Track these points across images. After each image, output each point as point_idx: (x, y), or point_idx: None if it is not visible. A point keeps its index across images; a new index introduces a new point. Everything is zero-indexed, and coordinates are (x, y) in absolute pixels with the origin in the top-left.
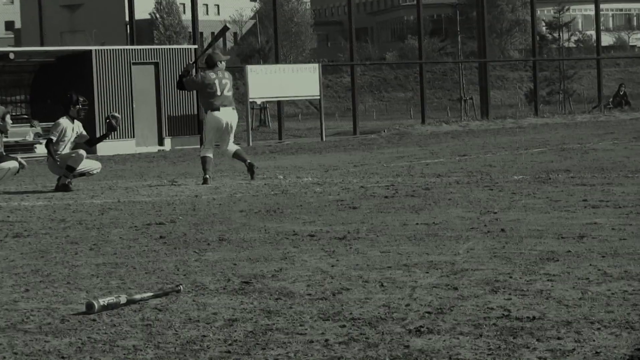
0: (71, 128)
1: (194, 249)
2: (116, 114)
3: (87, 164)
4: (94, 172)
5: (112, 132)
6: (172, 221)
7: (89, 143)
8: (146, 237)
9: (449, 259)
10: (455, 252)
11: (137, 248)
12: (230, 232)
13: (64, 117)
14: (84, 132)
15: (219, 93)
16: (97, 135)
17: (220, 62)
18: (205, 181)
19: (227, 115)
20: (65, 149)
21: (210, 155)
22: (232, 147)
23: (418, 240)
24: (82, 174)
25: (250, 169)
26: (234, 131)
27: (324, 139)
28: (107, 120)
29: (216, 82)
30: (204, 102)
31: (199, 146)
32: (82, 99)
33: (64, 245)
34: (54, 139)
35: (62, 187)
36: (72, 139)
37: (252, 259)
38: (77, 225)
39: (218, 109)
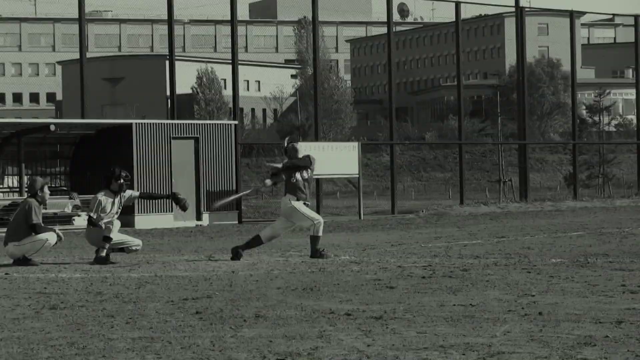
0: (111, 202)
1: (230, 325)
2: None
3: (127, 239)
4: (134, 248)
5: (179, 206)
6: (209, 296)
7: (142, 196)
8: (182, 312)
9: (486, 341)
10: (492, 335)
11: (173, 323)
12: (266, 309)
13: (103, 191)
14: (135, 193)
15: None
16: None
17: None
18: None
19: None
20: (106, 217)
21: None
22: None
23: (455, 322)
24: (122, 249)
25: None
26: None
27: (362, 218)
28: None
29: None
30: (295, 190)
31: (236, 222)
32: (124, 174)
33: (100, 318)
34: (94, 216)
35: (100, 260)
36: (114, 214)
37: (288, 336)
38: (114, 298)
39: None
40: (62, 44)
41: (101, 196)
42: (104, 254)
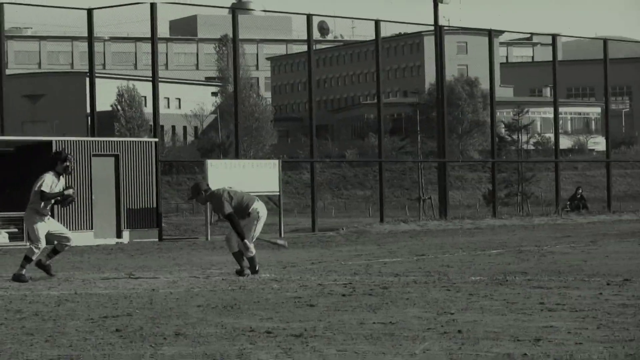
0: (56, 184)
1: (150, 343)
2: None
3: (63, 230)
4: (66, 244)
5: (64, 202)
6: (129, 314)
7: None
8: (102, 329)
9: (406, 359)
10: (412, 353)
11: (93, 341)
12: (186, 327)
13: (50, 172)
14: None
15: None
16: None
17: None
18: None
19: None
20: (50, 203)
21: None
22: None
23: (375, 340)
24: (54, 250)
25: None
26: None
27: (283, 235)
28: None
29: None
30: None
31: (157, 239)
32: (70, 156)
33: (20, 336)
34: (47, 190)
35: (18, 278)
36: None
37: (208, 354)
38: (33, 316)
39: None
40: None
41: (48, 175)
42: (23, 272)
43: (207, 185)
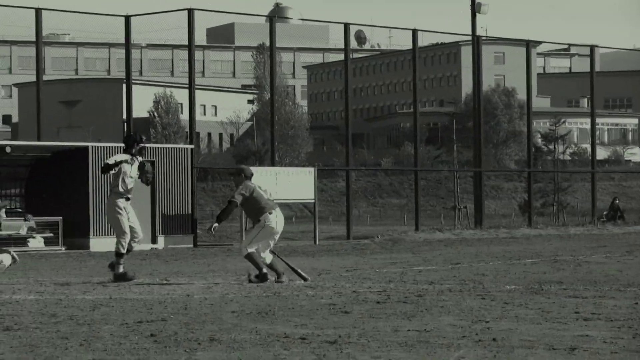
0: (130, 166)
1: (184, 348)
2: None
3: (137, 226)
4: (136, 242)
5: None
6: (163, 319)
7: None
8: (137, 334)
9: None
10: None
11: (128, 345)
12: (221, 333)
13: (126, 155)
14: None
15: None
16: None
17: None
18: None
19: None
20: (131, 183)
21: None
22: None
23: (409, 347)
24: (128, 250)
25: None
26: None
27: (317, 243)
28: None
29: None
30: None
31: (192, 245)
32: (144, 137)
33: (54, 340)
34: (111, 161)
35: (119, 277)
36: (134, 179)
37: None
38: (68, 320)
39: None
40: (19, 66)
41: (121, 154)
42: (121, 269)
43: (251, 174)
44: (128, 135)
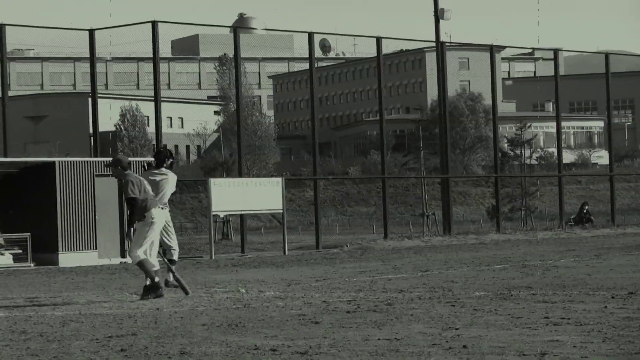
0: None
1: None
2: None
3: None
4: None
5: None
6: (134, 334)
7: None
8: (107, 349)
9: None
10: None
11: None
12: (191, 346)
13: (159, 169)
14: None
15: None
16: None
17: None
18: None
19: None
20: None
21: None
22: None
23: (380, 356)
24: (170, 260)
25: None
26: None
27: (287, 253)
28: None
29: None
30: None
31: (161, 259)
32: (173, 153)
33: (24, 357)
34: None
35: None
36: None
37: None
38: (38, 337)
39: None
40: None
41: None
42: (168, 279)
43: (128, 165)
44: (159, 151)
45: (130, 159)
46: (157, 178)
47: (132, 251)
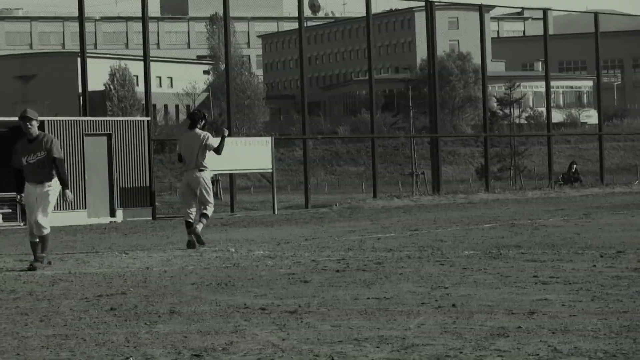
0: None
1: (144, 321)
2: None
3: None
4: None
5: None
6: (123, 293)
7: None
8: (97, 308)
9: (400, 333)
10: (406, 327)
11: (88, 320)
12: (181, 305)
13: (196, 130)
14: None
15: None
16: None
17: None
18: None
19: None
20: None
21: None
22: None
23: (369, 315)
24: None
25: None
26: None
27: (276, 212)
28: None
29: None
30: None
31: (150, 218)
32: (207, 114)
33: (14, 316)
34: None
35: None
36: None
37: (203, 332)
38: (28, 296)
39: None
40: None
41: (208, 134)
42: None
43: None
44: (193, 113)
45: (120, 118)
46: (189, 139)
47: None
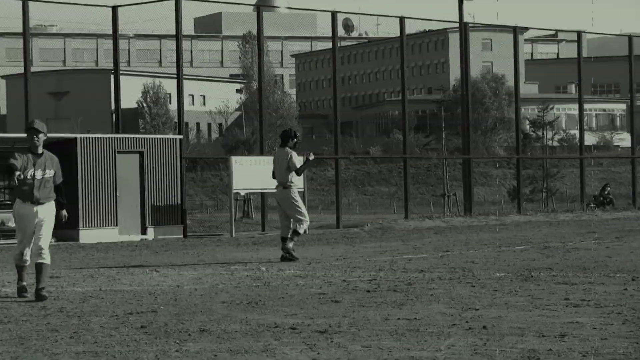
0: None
1: (174, 339)
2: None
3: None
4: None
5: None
6: (154, 311)
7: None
8: (127, 326)
9: (430, 355)
10: (437, 349)
11: (118, 337)
12: (211, 323)
13: (285, 149)
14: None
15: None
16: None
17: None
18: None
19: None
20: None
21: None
22: None
23: (399, 336)
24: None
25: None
26: None
27: (307, 232)
28: (306, 157)
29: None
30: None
31: (181, 236)
32: (298, 133)
33: (44, 332)
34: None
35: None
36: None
37: (233, 350)
38: (58, 312)
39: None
40: (7, 58)
41: (293, 153)
42: (291, 245)
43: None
44: (284, 131)
45: (153, 136)
46: (277, 156)
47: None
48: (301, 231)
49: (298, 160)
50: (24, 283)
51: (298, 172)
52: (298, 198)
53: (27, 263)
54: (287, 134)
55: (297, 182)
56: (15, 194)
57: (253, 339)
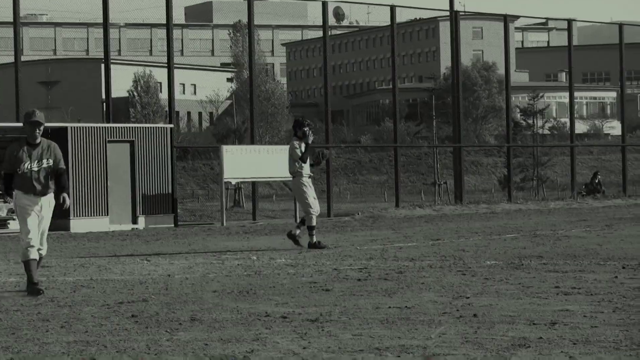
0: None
1: (165, 328)
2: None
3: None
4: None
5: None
6: (144, 300)
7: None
8: (118, 315)
9: (421, 343)
10: (427, 337)
11: (109, 326)
12: (202, 312)
13: (293, 138)
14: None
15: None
16: None
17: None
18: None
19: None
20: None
21: None
22: None
23: (390, 324)
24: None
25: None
26: None
27: (298, 221)
28: (320, 154)
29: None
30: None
31: (172, 225)
32: (307, 121)
33: (35, 322)
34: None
35: (314, 245)
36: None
37: (224, 339)
38: (49, 302)
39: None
40: None
41: (294, 142)
42: (314, 239)
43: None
44: (295, 121)
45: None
46: (289, 147)
47: None
48: (313, 223)
49: (300, 149)
50: (36, 281)
51: (302, 159)
52: (306, 188)
53: (36, 258)
54: (294, 123)
55: (306, 169)
56: (14, 186)
57: (244, 328)
